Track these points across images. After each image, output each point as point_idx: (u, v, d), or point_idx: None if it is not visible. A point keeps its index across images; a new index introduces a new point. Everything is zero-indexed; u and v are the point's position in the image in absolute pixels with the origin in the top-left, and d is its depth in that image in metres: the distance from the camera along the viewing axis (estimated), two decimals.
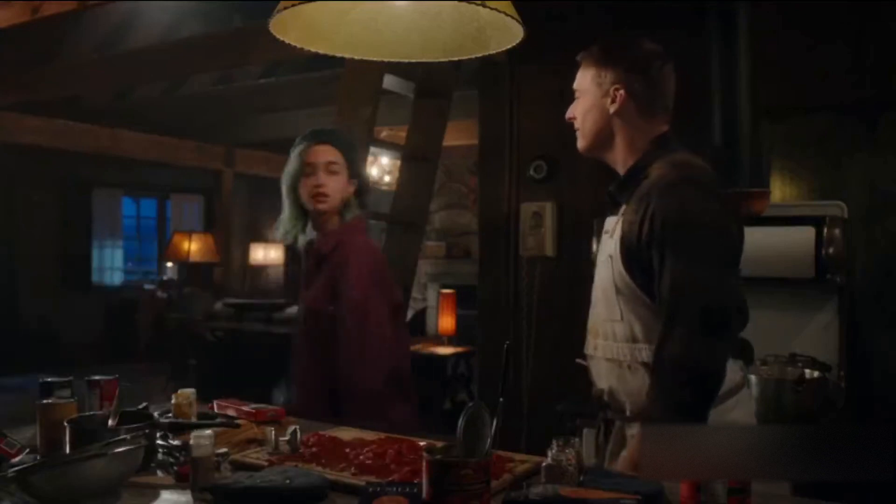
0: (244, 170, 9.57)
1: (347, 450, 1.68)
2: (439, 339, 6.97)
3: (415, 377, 5.49)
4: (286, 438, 1.69)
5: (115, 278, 10.40)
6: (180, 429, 1.74)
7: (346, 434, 1.84)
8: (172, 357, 7.80)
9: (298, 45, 1.85)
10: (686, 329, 1.60)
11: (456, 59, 1.97)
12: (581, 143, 1.91)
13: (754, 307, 3.06)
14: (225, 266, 9.66)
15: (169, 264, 9.76)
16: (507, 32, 1.79)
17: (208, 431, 1.50)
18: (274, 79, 7.51)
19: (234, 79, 7.83)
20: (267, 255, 11.61)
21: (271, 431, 1.69)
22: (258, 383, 6.05)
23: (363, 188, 2.44)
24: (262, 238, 11.75)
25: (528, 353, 3.92)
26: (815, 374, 2.75)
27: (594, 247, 2.03)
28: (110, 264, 10.28)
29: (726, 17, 3.14)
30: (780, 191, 3.39)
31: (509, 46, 1.81)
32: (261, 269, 11.62)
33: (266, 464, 1.60)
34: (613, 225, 1.82)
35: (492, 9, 1.58)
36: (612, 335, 1.77)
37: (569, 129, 2.00)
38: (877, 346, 3.20)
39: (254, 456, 1.66)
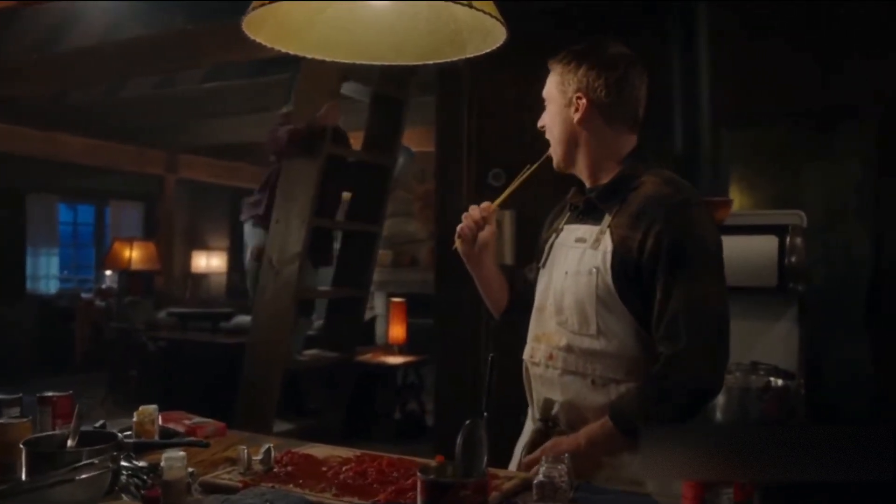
0: (187, 176, 9.35)
1: (324, 468, 1.61)
2: (389, 349, 6.89)
3: (365, 387, 5.37)
4: (259, 458, 1.61)
5: (51, 287, 10.04)
6: (146, 449, 1.64)
7: (320, 451, 1.77)
8: (111, 368, 7.55)
9: (270, 45, 1.78)
10: (701, 348, 1.60)
11: (431, 62, 1.92)
12: (553, 155, 1.84)
13: None
14: (166, 274, 9.42)
15: (108, 272, 9.47)
16: (486, 36, 1.75)
17: (181, 452, 1.41)
18: (219, 83, 7.36)
19: (177, 82, 7.65)
20: (209, 262, 11.38)
21: (244, 450, 1.60)
22: (205, 395, 5.87)
23: None
24: (204, 245, 11.51)
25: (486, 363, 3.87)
26: (780, 382, 2.77)
27: (545, 253, 1.91)
28: (45, 272, 9.93)
29: (686, 25, 3.16)
30: (737, 199, 3.42)
31: (488, 50, 1.77)
32: (203, 277, 11.39)
33: (240, 485, 1.51)
34: (593, 235, 1.73)
35: (478, 10, 1.54)
36: (580, 349, 1.70)
37: (529, 137, 1.94)
38: (833, 355, 3.25)
39: (225, 477, 1.57)
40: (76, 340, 8.95)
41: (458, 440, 1.23)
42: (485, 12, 1.56)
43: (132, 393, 6.80)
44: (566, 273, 1.75)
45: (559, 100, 1.79)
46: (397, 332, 6.91)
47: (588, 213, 1.79)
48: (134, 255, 8.46)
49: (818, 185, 3.29)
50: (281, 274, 3.65)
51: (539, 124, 1.87)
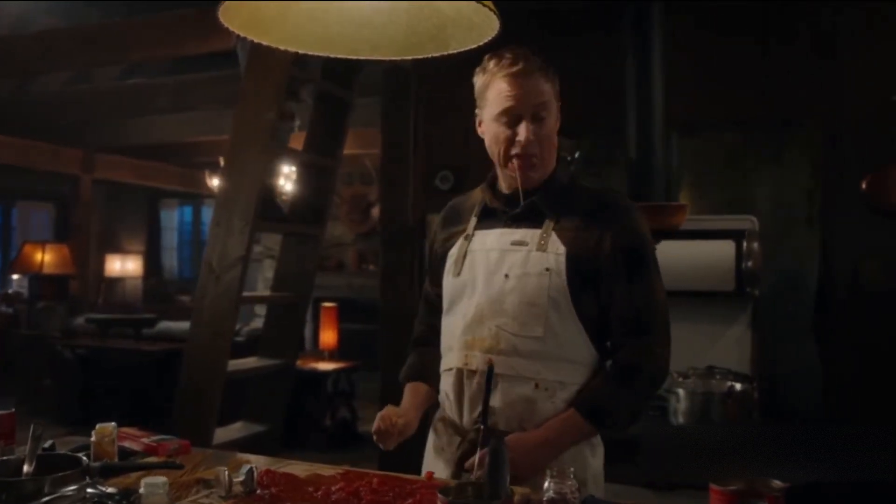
0: (104, 176, 8.93)
1: (311, 489, 1.50)
2: (319, 354, 6.73)
3: (295, 394, 5.16)
4: (240, 479, 1.48)
5: None
6: (112, 472, 1.50)
7: (300, 469, 1.65)
8: (21, 378, 7.14)
9: (243, 34, 1.68)
10: (664, 339, 1.70)
11: (409, 58, 1.83)
12: (540, 174, 1.73)
13: (673, 320, 3.10)
14: (81, 278, 8.98)
15: (15, 276, 8.98)
16: (472, 30, 1.67)
17: (162, 478, 1.29)
18: (140, 79, 7.06)
19: (94, 78, 7.30)
20: (124, 266, 10.95)
21: (224, 472, 1.48)
22: (130, 405, 5.60)
23: None
24: (119, 249, 11.07)
25: None
26: (739, 386, 2.78)
27: (460, 261, 1.81)
28: None
29: (641, 31, 3.16)
30: (688, 204, 3.44)
31: (473, 46, 1.69)
32: (117, 282, 10.94)
33: None
34: (535, 238, 1.69)
35: (479, 1, 1.46)
36: (524, 351, 1.66)
37: (479, 139, 1.78)
38: (782, 357, 3.29)
39: (205, 501, 1.45)
40: None
41: (486, 461, 1.14)
42: (483, 4, 1.49)
43: (48, 403, 6.44)
44: (506, 276, 1.70)
45: (555, 108, 1.74)
46: (328, 337, 6.75)
47: (524, 217, 1.73)
48: (46, 258, 8.03)
49: (768, 191, 3.33)
50: (222, 279, 3.47)
51: (527, 136, 1.68)
